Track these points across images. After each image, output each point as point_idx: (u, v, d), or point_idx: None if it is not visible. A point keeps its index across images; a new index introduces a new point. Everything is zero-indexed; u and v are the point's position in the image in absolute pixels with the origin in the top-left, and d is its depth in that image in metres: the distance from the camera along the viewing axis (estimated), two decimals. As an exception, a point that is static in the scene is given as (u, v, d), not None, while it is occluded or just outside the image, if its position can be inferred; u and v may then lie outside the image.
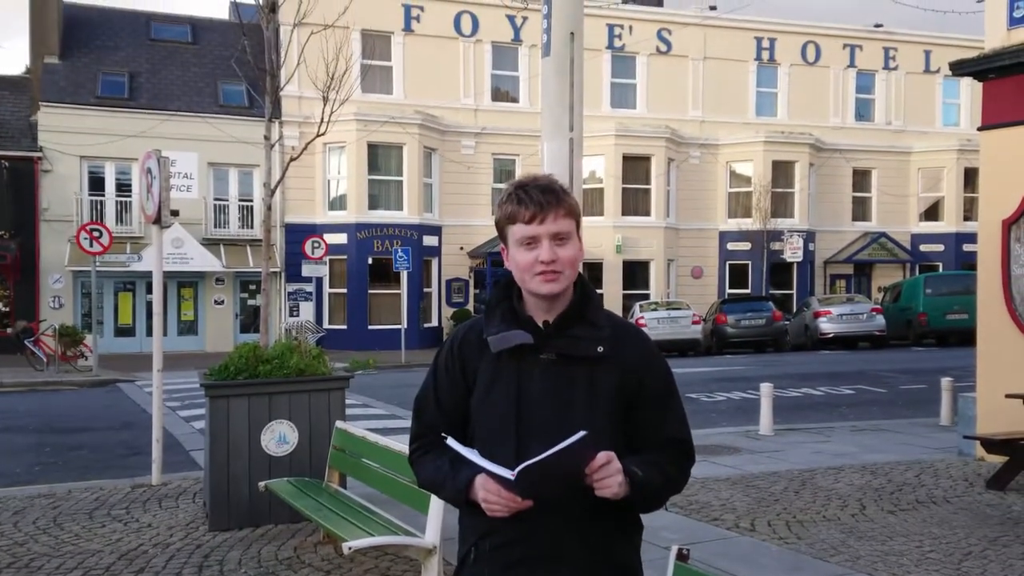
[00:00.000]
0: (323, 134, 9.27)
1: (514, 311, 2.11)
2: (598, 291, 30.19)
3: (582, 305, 2.11)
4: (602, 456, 1.92)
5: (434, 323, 29.24)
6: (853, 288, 34.27)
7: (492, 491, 1.94)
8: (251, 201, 28.28)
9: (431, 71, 29.84)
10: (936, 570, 5.31)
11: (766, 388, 10.51)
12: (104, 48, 28.68)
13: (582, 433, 1.86)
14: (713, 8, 33.32)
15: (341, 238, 27.50)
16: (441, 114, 29.54)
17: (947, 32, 33.84)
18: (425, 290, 28.94)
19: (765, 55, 34.02)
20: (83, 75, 27.65)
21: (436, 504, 4.33)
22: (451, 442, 2.00)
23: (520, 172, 29.95)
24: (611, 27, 31.75)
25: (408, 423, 2.30)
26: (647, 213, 30.79)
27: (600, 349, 2.07)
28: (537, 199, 2.03)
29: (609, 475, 1.93)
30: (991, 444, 7.54)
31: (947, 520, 6.40)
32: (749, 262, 32.53)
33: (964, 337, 20.09)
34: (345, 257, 27.87)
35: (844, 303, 27.06)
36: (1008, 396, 7.64)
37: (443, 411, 2.17)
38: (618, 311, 26.62)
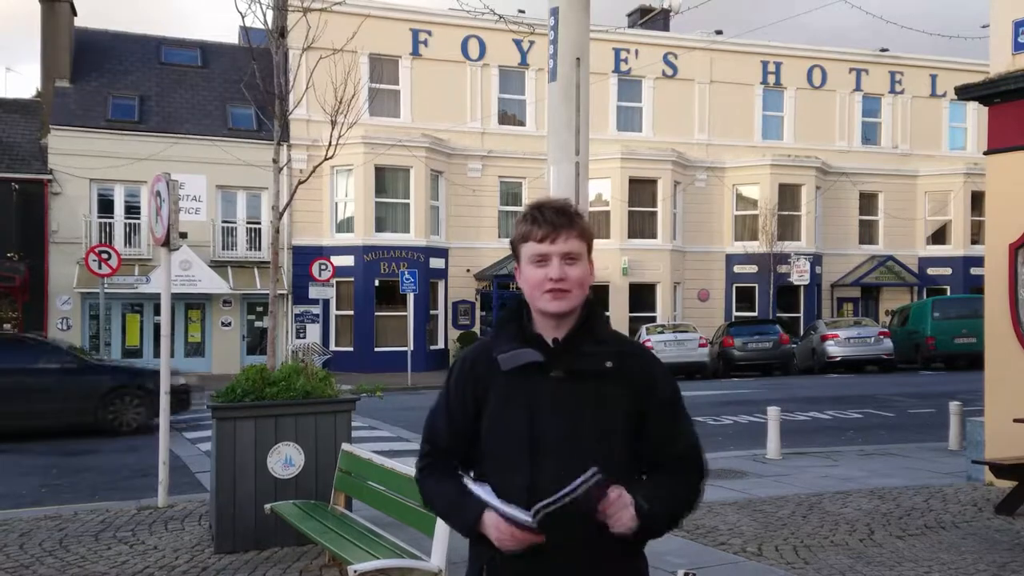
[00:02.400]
0: (331, 157, 9.32)
1: (523, 329, 2.15)
2: (605, 314, 30.06)
3: (589, 323, 2.15)
4: (613, 492, 1.97)
5: (440, 345, 29.23)
6: (860, 311, 34.18)
7: (505, 532, 1.99)
8: (259, 223, 28.40)
9: (438, 95, 30.03)
10: (945, 596, 5.26)
11: (773, 411, 10.48)
12: (114, 72, 28.95)
13: (593, 470, 1.92)
14: (719, 32, 33.51)
15: (348, 260, 27.58)
16: (448, 137, 29.70)
17: (953, 56, 33.98)
18: (431, 312, 28.97)
19: (771, 79, 34.16)
20: (93, 98, 27.89)
21: (442, 527, 4.32)
22: (469, 483, 2.06)
23: (527, 195, 30.08)
24: (617, 51, 31.93)
25: (414, 445, 2.33)
26: (653, 236, 30.83)
27: (608, 364, 2.11)
28: (550, 219, 2.10)
29: (620, 509, 1.98)
30: (1000, 469, 7.50)
31: (956, 545, 6.36)
32: (756, 285, 32.49)
33: (972, 361, 20.01)
34: (352, 279, 27.93)
35: (851, 326, 26.98)
36: (1016, 421, 7.60)
37: (455, 431, 2.21)
38: (625, 334, 26.55)
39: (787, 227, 32.12)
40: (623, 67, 32.26)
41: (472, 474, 2.19)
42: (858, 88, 35.11)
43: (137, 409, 13.84)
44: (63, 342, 17.00)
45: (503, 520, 1.98)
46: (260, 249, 28.17)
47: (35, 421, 13.41)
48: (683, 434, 2.19)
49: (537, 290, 2.10)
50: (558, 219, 2.10)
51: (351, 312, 28.24)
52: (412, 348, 24.91)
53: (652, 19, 33.89)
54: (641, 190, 30.64)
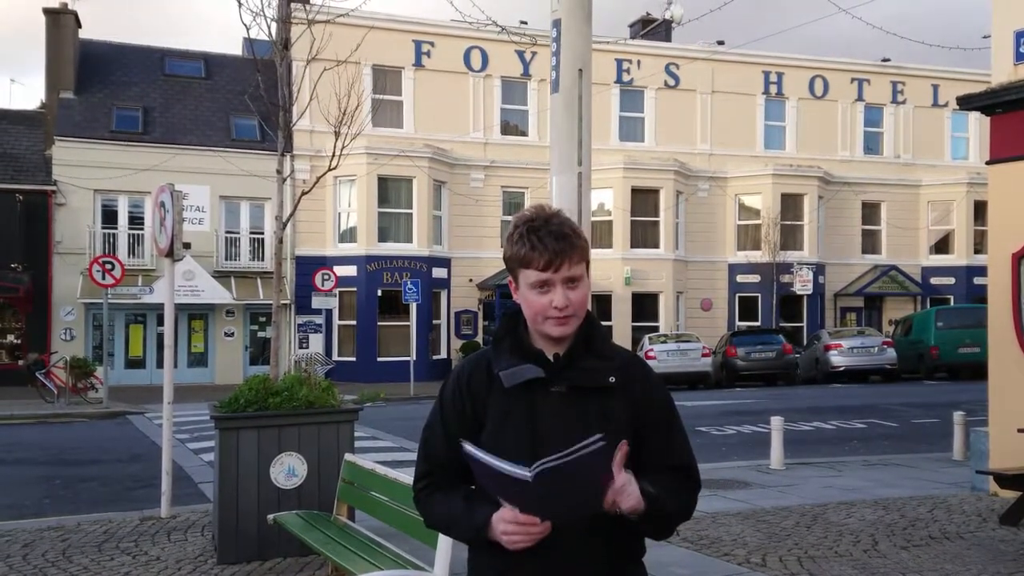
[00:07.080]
0: (334, 168, 9.33)
1: (522, 343, 2.12)
2: (607, 324, 30.04)
3: (589, 337, 2.13)
4: (620, 478, 1.94)
5: (443, 355, 29.23)
6: (864, 321, 34.16)
7: (510, 519, 1.93)
8: (262, 234, 28.46)
9: (441, 105, 30.12)
10: (950, 607, 5.24)
11: (776, 421, 10.45)
12: (119, 83, 29.06)
13: (598, 436, 1.85)
14: (721, 43, 33.60)
15: (351, 270, 27.62)
16: (451, 147, 29.77)
17: (955, 66, 34.02)
18: (434, 322, 28.98)
19: (773, 89, 34.22)
20: (98, 110, 28.00)
21: (445, 538, 4.31)
22: (467, 446, 1.96)
23: (528, 205, 30.06)
24: (619, 61, 32.02)
25: (416, 455, 2.30)
26: (656, 245, 30.85)
27: (612, 379, 2.09)
28: (551, 247, 2.04)
29: (628, 492, 1.96)
30: (1004, 479, 7.47)
31: (960, 556, 6.34)
32: (758, 295, 32.48)
33: (976, 371, 19.93)
34: (355, 289, 27.96)
35: (855, 336, 26.95)
36: (1021, 431, 7.58)
37: (452, 448, 2.12)
38: (627, 344, 26.57)
39: (789, 237, 32.14)
40: (625, 77, 32.35)
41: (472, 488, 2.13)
42: (860, 98, 35.17)
43: None
44: None
45: (508, 510, 1.93)
46: (263, 259, 28.21)
47: None
48: (678, 446, 2.17)
49: (540, 315, 2.06)
50: (559, 245, 2.04)
51: (354, 322, 28.26)
52: (414, 358, 24.90)
53: (654, 30, 33.99)
54: (643, 200, 30.68)
